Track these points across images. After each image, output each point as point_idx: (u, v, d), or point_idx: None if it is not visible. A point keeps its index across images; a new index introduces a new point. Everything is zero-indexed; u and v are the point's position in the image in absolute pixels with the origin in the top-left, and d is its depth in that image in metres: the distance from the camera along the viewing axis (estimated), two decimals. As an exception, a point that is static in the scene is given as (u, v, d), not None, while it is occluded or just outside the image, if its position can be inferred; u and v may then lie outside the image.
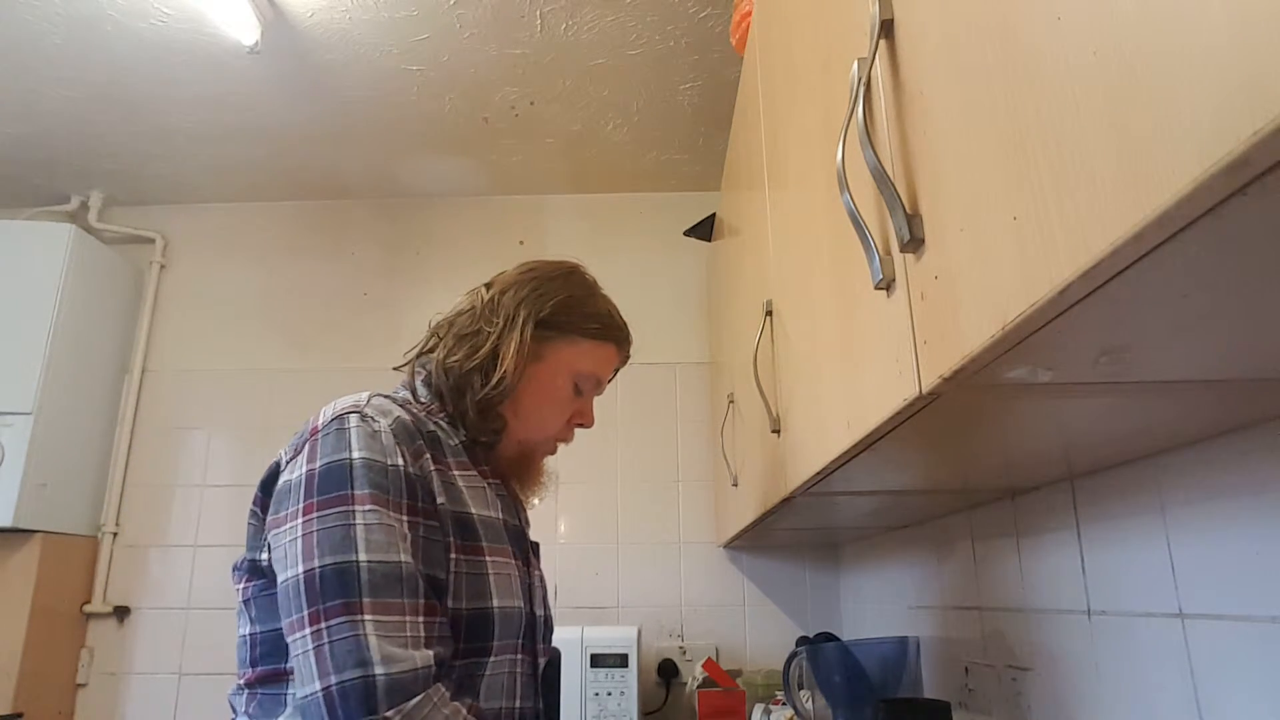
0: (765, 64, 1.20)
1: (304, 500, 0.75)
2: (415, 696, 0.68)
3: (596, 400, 1.07)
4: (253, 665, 0.80)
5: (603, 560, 2.14)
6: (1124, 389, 0.54)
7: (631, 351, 1.07)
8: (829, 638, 1.75)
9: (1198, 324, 0.42)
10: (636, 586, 2.12)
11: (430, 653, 0.71)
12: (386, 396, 0.86)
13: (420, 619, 0.72)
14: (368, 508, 0.73)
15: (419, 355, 0.97)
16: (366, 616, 0.69)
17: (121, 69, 1.85)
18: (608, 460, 2.21)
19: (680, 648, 2.06)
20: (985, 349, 0.44)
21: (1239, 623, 0.66)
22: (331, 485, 0.74)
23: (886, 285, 0.59)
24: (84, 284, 2.17)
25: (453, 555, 0.80)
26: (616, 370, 1.07)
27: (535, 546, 1.03)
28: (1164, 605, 0.75)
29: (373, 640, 0.68)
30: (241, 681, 0.82)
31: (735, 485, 1.63)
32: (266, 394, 2.28)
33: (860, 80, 0.60)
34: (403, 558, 0.73)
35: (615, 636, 1.79)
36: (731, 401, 1.65)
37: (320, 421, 0.81)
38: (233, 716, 0.82)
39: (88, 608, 2.12)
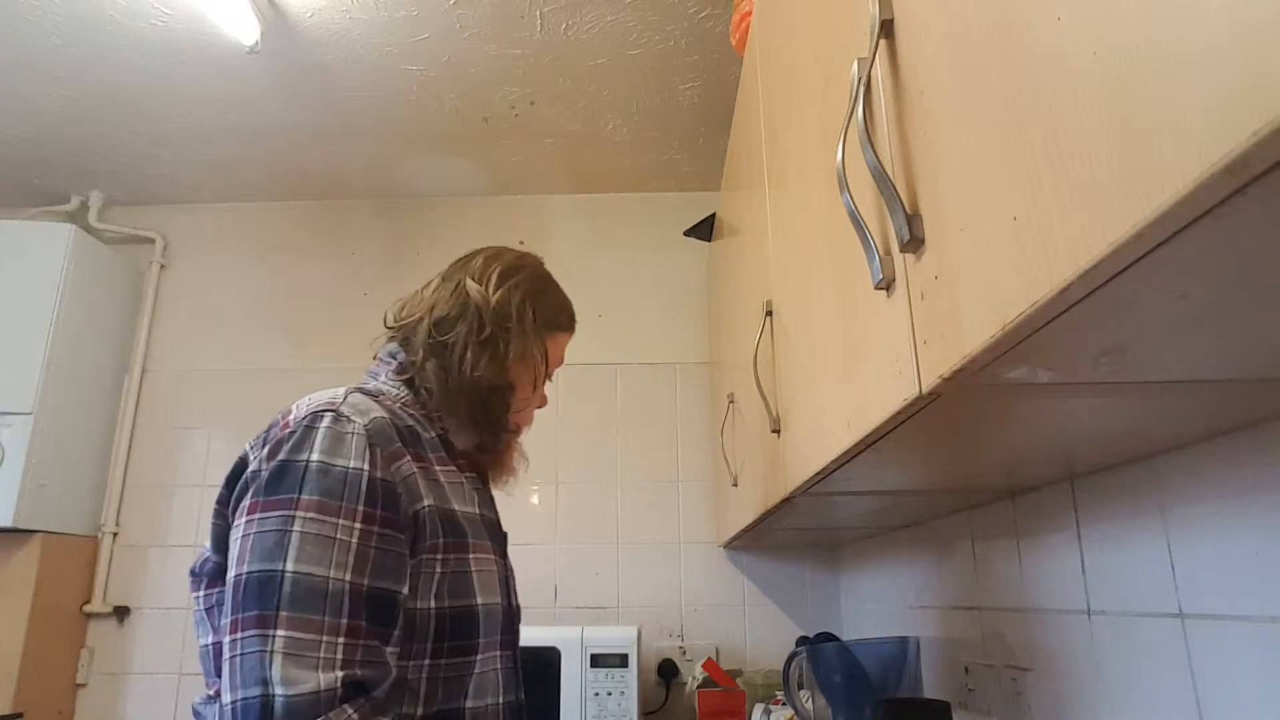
0: (765, 64, 1.20)
1: (252, 498, 0.72)
2: None
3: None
4: (219, 674, 0.76)
5: (603, 560, 2.14)
6: (1124, 389, 0.54)
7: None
8: (829, 638, 1.75)
9: (1198, 324, 0.42)
10: (636, 586, 2.12)
11: (339, 675, 0.66)
12: (364, 392, 0.83)
13: (340, 639, 0.67)
14: (309, 515, 0.70)
15: (403, 346, 0.93)
16: (279, 631, 0.66)
17: (121, 69, 1.85)
18: (608, 460, 2.21)
19: (680, 648, 2.06)
20: (985, 349, 0.44)
21: (1239, 623, 0.66)
22: (280, 486, 0.71)
23: (886, 285, 0.59)
24: (84, 284, 2.17)
25: (439, 555, 0.78)
26: None
27: (504, 536, 1.00)
28: (1164, 605, 0.75)
29: (277, 658, 0.65)
30: (211, 692, 0.79)
31: (735, 485, 1.63)
32: (266, 394, 2.28)
33: (860, 80, 0.60)
34: (332, 573, 0.69)
35: (615, 636, 1.79)
36: (731, 401, 1.65)
37: (293, 417, 0.77)
38: None
39: (88, 608, 2.12)
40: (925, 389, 0.53)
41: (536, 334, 0.95)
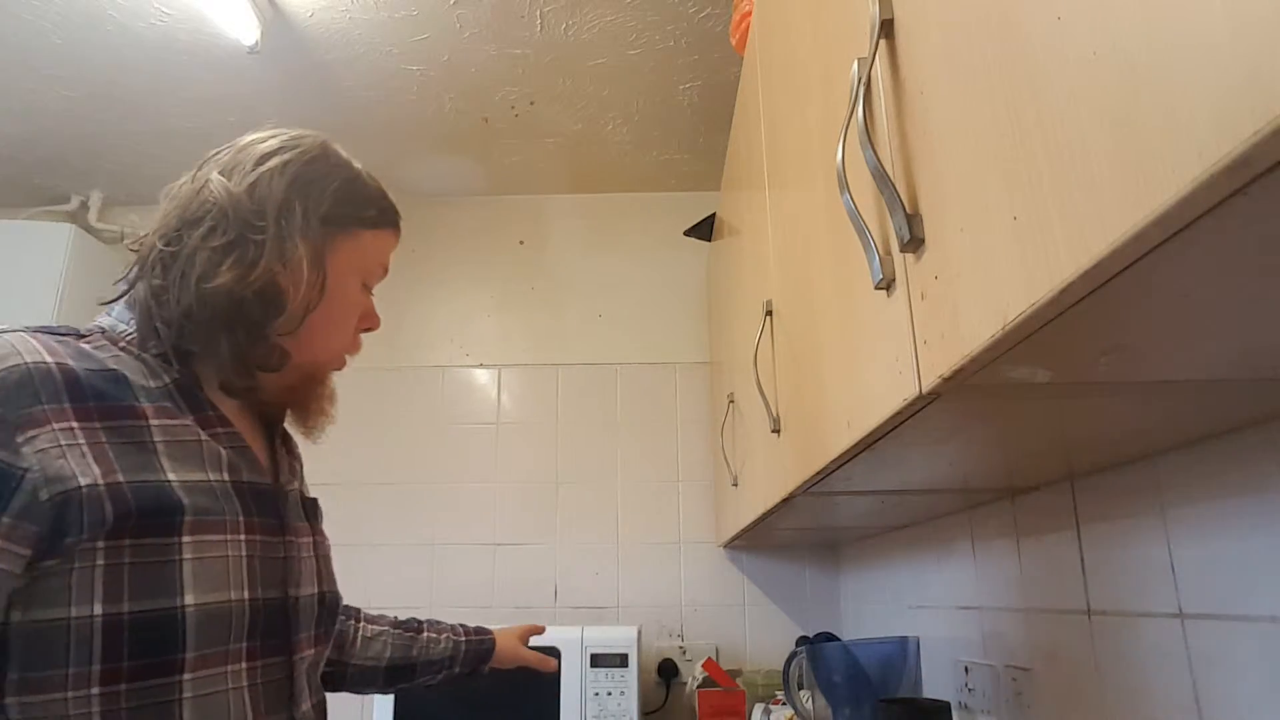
0: (765, 64, 1.20)
1: None
2: None
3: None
4: None
5: (603, 560, 2.14)
6: (1124, 389, 0.54)
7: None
8: (829, 638, 1.75)
9: (1198, 324, 0.42)
10: (636, 586, 2.12)
11: None
12: (48, 332, 0.63)
13: None
14: None
15: (136, 275, 0.71)
16: None
17: (121, 69, 1.85)
18: (608, 460, 2.21)
19: (680, 648, 2.06)
20: (985, 349, 0.44)
21: (1239, 623, 0.66)
22: None
23: (886, 285, 0.59)
24: (84, 284, 2.17)
25: (103, 544, 0.57)
26: None
27: (311, 505, 0.81)
28: (1164, 605, 0.75)
29: None
30: None
31: (735, 485, 1.63)
32: (266, 394, 2.28)
33: (860, 80, 0.60)
34: None
35: (615, 636, 1.79)
36: (731, 401, 1.65)
37: None
38: None
39: (88, 608, 2.12)
40: (925, 389, 0.53)
41: (314, 232, 0.73)
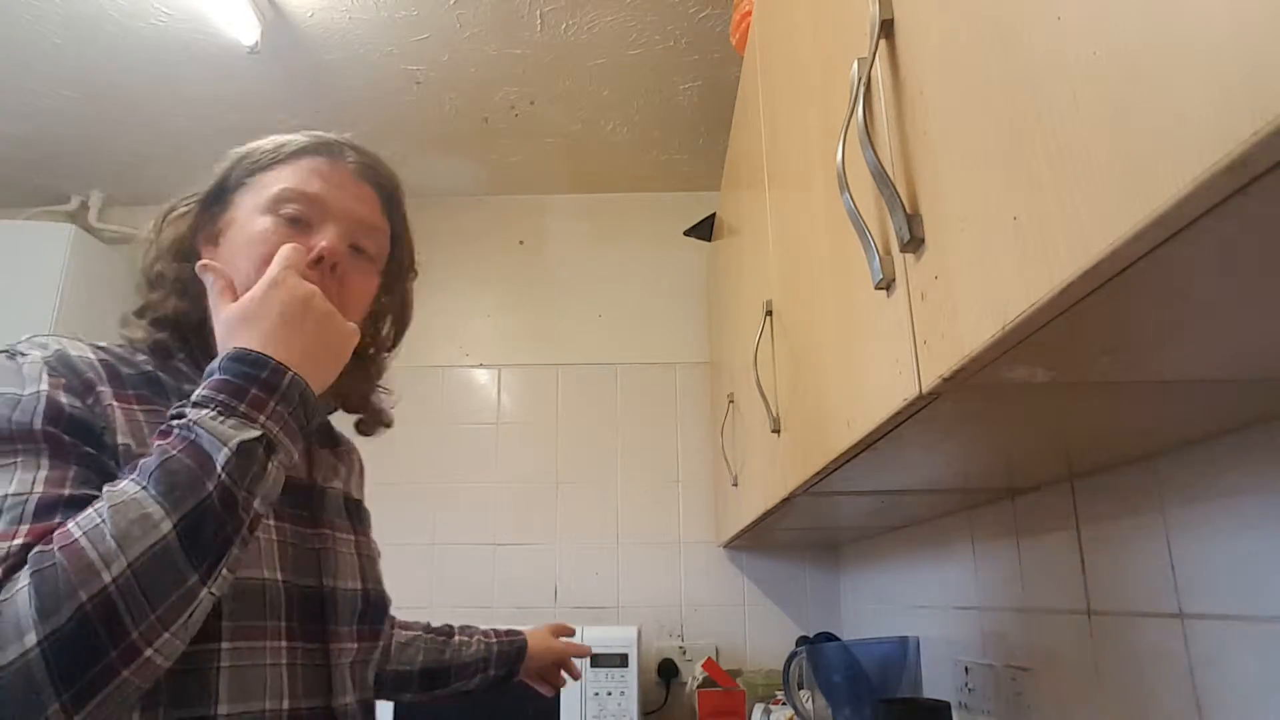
0: (765, 64, 1.20)
1: None
2: None
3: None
4: None
5: (603, 560, 2.14)
6: (1124, 389, 0.54)
7: (350, 148, 0.80)
8: (829, 638, 1.75)
9: (1197, 324, 0.42)
10: (636, 586, 2.12)
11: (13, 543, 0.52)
12: (78, 339, 0.70)
13: (18, 537, 0.52)
14: None
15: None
16: None
17: (121, 69, 1.85)
18: (608, 460, 2.21)
19: (680, 648, 2.06)
20: (985, 349, 0.44)
21: (1239, 623, 0.66)
22: None
23: (886, 285, 0.59)
24: (84, 284, 2.17)
25: None
26: (354, 176, 0.78)
27: (355, 506, 0.83)
28: (1164, 605, 0.75)
29: None
30: None
31: (735, 485, 1.63)
32: (266, 394, 2.28)
33: (860, 80, 0.60)
34: (12, 490, 0.55)
35: (615, 636, 1.79)
36: (731, 401, 1.65)
37: None
38: None
39: (88, 608, 2.12)
40: (925, 389, 0.53)
41: (227, 196, 0.77)
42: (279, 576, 0.67)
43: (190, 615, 0.53)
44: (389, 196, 0.83)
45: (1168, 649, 0.74)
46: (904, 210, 0.54)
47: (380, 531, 0.88)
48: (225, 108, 2.00)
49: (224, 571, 0.55)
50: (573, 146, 2.20)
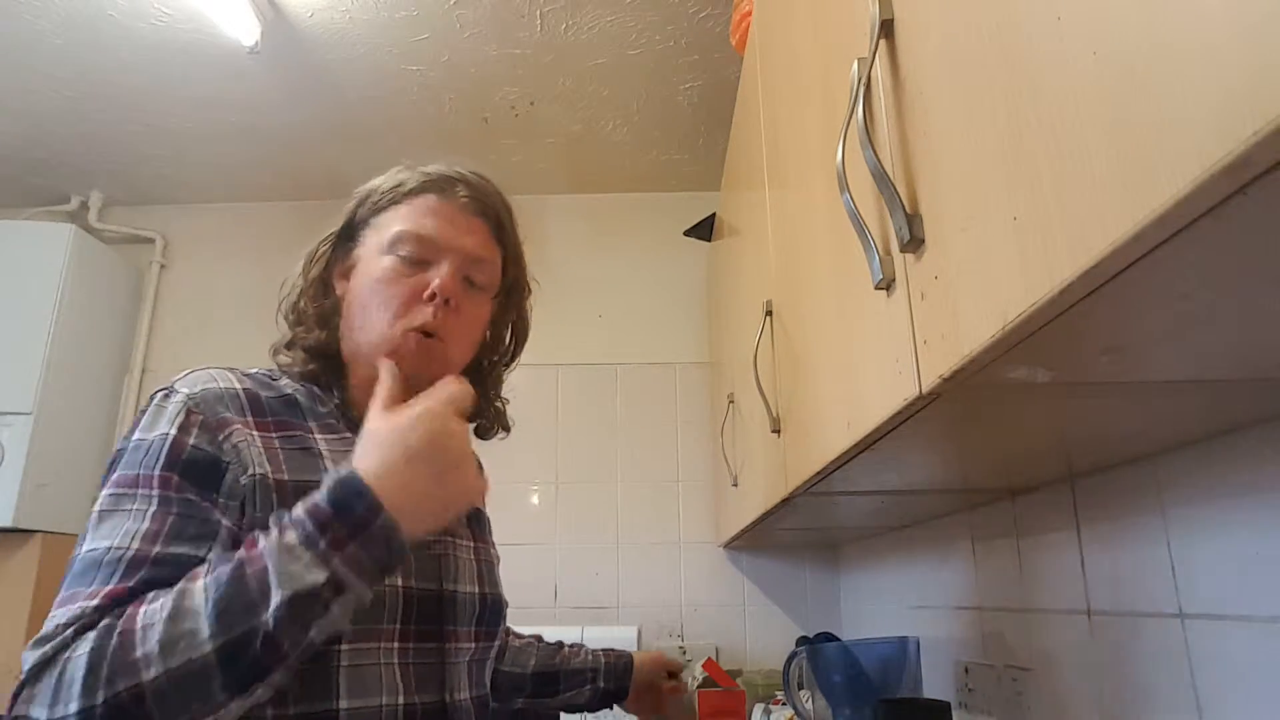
0: (765, 64, 1.20)
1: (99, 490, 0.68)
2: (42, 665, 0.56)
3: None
4: None
5: (603, 560, 2.14)
6: (1124, 389, 0.54)
7: (461, 182, 0.86)
8: (829, 638, 1.75)
9: (1198, 324, 0.42)
10: (636, 586, 2.12)
11: (87, 605, 0.58)
12: (237, 371, 0.77)
13: (90, 603, 0.58)
14: (112, 491, 0.66)
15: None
16: (56, 610, 0.59)
17: (121, 69, 1.85)
18: (608, 460, 2.21)
19: (680, 648, 2.06)
20: (985, 349, 0.44)
21: (1239, 623, 0.66)
22: (107, 476, 0.68)
23: (886, 285, 0.59)
24: (84, 284, 2.17)
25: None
26: (464, 211, 0.84)
27: (476, 515, 0.90)
28: (1164, 605, 0.75)
29: (48, 625, 0.58)
30: None
31: (735, 485, 1.63)
32: (266, 394, 2.28)
33: (860, 80, 0.60)
34: (115, 542, 0.61)
35: (615, 636, 1.79)
36: (731, 401, 1.65)
37: None
38: None
39: (88, 608, 2.12)
40: (925, 389, 0.53)
41: (355, 234, 0.85)
42: (399, 583, 0.73)
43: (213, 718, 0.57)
44: (498, 225, 0.88)
45: (1168, 649, 0.74)
46: (904, 210, 0.54)
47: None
48: (225, 108, 2.00)
49: (257, 690, 0.58)
50: (573, 146, 2.20)
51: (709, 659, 1.85)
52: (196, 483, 0.66)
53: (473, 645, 0.80)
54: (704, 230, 2.18)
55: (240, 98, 1.96)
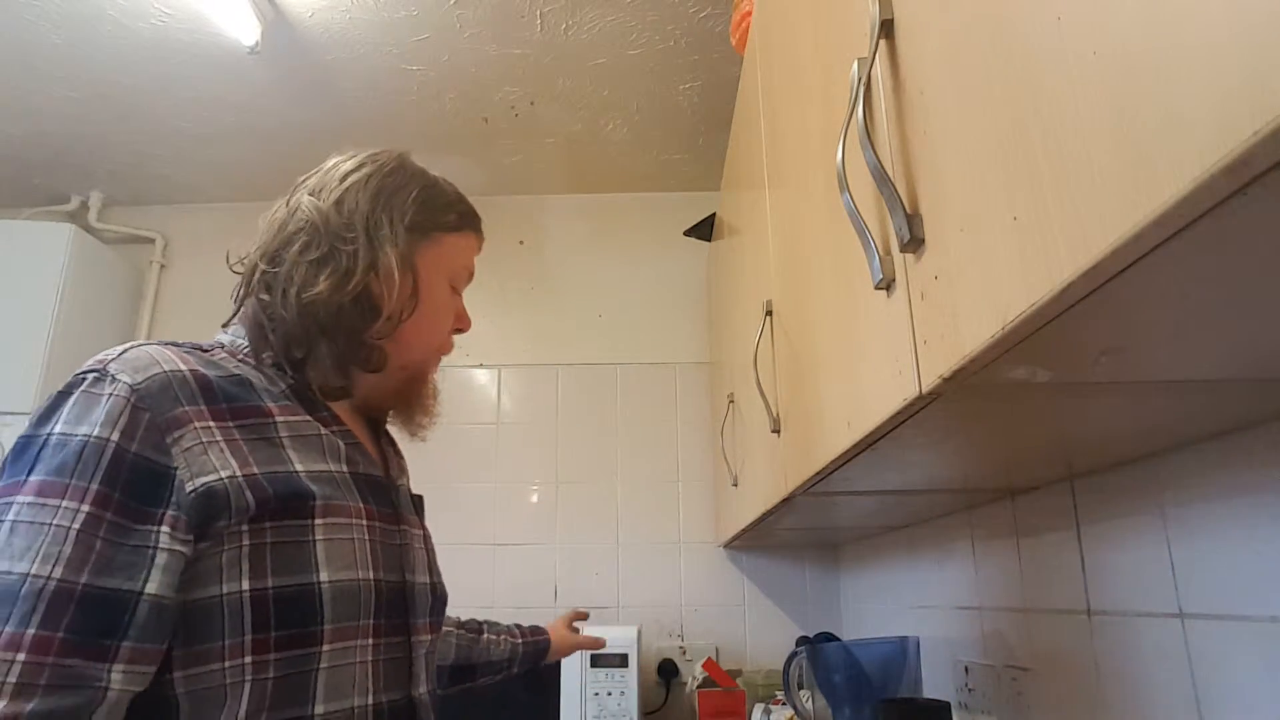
0: (765, 64, 1.20)
1: None
2: None
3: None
4: None
5: (603, 560, 2.14)
6: (1124, 389, 0.54)
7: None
8: (829, 638, 1.75)
9: (1197, 324, 0.42)
10: (636, 586, 2.12)
11: (3, 706, 0.51)
12: (177, 345, 0.69)
13: (19, 656, 0.52)
14: (27, 499, 0.57)
15: (244, 294, 0.80)
16: None
17: (122, 69, 1.85)
18: (608, 460, 2.21)
19: (680, 648, 2.06)
20: (985, 349, 0.44)
21: (1239, 623, 0.66)
22: (14, 467, 0.59)
23: (886, 285, 0.59)
24: (84, 284, 2.17)
25: (246, 527, 0.62)
26: None
27: (418, 501, 0.87)
28: (1164, 605, 0.75)
29: None
30: None
31: (735, 485, 1.63)
32: (266, 394, 2.28)
33: (860, 80, 0.60)
34: (34, 569, 0.54)
35: (615, 636, 1.79)
36: (731, 401, 1.65)
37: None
38: None
39: (88, 608, 2.12)
40: (925, 389, 0.53)
41: (401, 239, 0.79)
42: (370, 575, 0.70)
43: None
44: None
45: (1168, 649, 0.74)
46: (904, 210, 0.54)
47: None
48: (225, 108, 2.00)
49: None
50: (572, 146, 2.20)
51: (709, 659, 1.85)
52: (138, 498, 0.58)
53: (428, 637, 0.78)
54: (704, 230, 2.18)
55: (240, 98, 1.96)
